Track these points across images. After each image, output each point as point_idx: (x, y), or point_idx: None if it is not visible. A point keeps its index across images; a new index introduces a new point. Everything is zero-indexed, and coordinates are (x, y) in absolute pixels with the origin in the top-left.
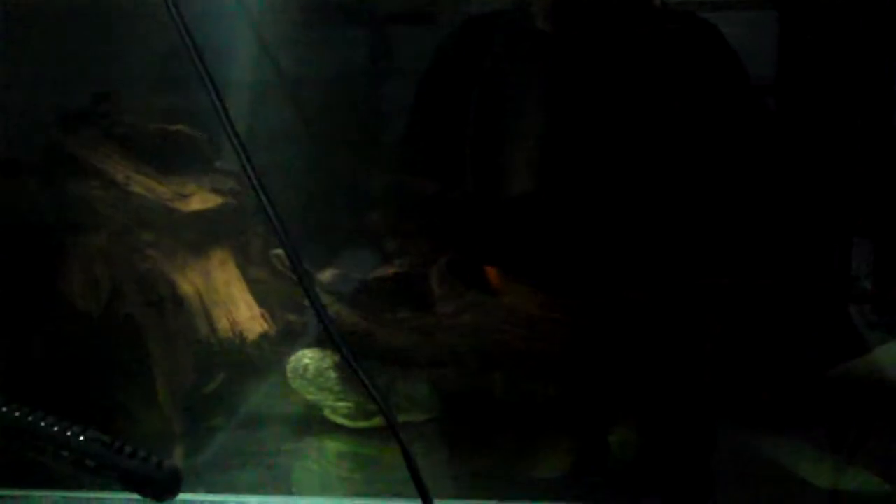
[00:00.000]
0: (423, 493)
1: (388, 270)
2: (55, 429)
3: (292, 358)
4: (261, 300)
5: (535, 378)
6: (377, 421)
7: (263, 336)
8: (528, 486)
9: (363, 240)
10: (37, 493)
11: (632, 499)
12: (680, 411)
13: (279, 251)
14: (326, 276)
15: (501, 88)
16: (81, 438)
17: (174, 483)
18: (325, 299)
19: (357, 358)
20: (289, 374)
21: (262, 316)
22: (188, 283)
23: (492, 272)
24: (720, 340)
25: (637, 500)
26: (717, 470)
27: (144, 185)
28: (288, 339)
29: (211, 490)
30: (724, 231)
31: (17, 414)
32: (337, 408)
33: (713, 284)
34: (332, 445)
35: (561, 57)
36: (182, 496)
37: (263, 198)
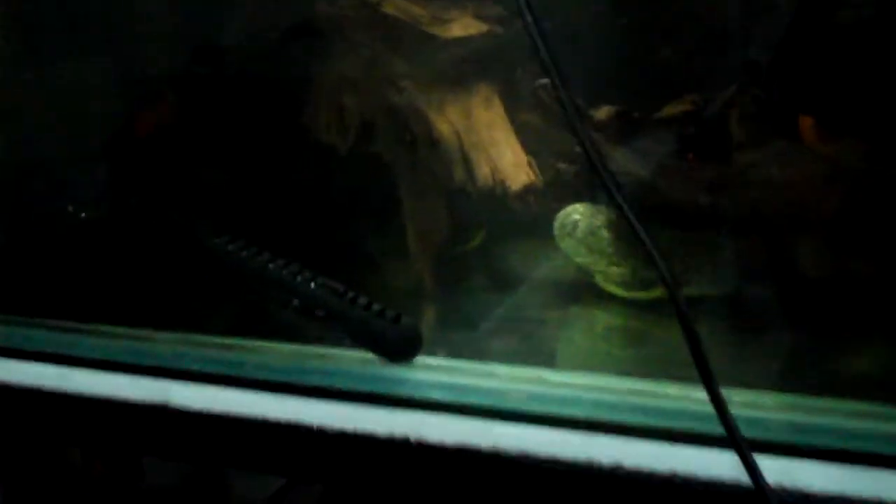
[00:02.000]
0: (707, 379)
1: (677, 108)
2: (283, 272)
3: (560, 213)
4: (528, 146)
5: (854, 250)
6: (657, 292)
7: (529, 187)
8: (835, 380)
9: (647, 73)
10: (265, 344)
11: None
12: None
13: (544, 80)
14: (601, 113)
15: None
16: (312, 285)
17: (412, 343)
18: (598, 140)
19: (637, 215)
20: (556, 233)
21: (529, 164)
22: (445, 121)
23: (806, 121)
24: None
25: None
26: None
27: (399, 6)
28: (557, 191)
29: (455, 355)
30: None
31: (243, 254)
32: (609, 273)
33: None
34: (602, 316)
35: None
36: (421, 359)
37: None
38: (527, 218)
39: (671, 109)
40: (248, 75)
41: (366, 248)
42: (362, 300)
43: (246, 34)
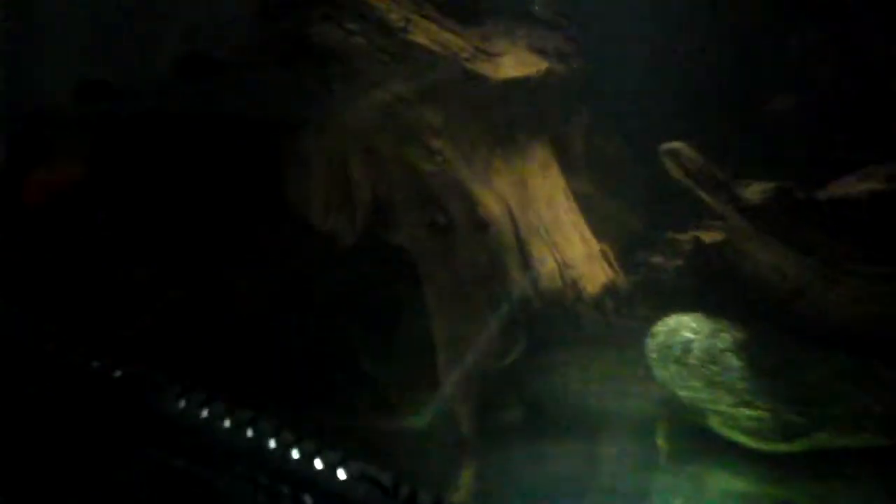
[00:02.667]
0: None
1: (862, 185)
2: (285, 452)
3: (660, 328)
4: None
5: None
6: (803, 444)
7: (609, 289)
8: None
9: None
10: None
11: None
12: None
13: (675, 144)
14: (752, 192)
15: None
16: (340, 475)
17: None
18: (743, 230)
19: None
20: (652, 354)
21: (605, 255)
22: (495, 198)
23: None
24: None
25: None
26: None
27: (432, 33)
28: (646, 296)
29: None
30: None
31: (249, 434)
32: (736, 417)
33: None
34: (719, 480)
35: None
36: None
37: None
38: (601, 332)
39: (852, 187)
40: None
41: (371, 377)
42: (404, 490)
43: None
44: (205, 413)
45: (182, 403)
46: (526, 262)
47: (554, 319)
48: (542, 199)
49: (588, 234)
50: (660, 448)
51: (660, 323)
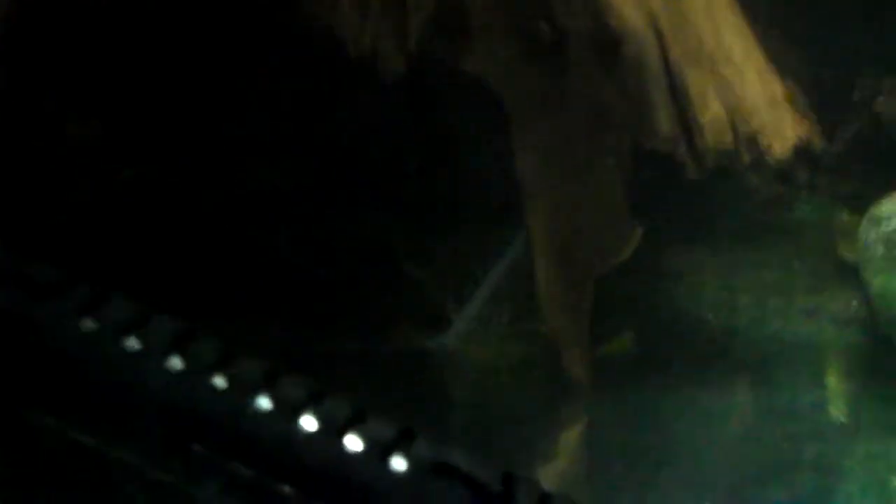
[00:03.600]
0: None
1: None
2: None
3: (885, 209)
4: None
5: None
6: None
7: (803, 151)
8: None
9: None
10: None
11: None
12: None
13: None
14: None
15: None
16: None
17: None
18: None
19: None
20: (872, 247)
21: (794, 101)
22: (633, 3)
23: None
24: None
25: None
26: None
27: None
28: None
29: None
30: None
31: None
32: None
33: None
34: None
35: None
36: None
37: None
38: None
39: None
40: None
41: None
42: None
43: None
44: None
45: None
46: (677, 102)
47: (707, 195)
48: (699, 9)
49: (766, 68)
50: (833, 394)
51: (885, 202)
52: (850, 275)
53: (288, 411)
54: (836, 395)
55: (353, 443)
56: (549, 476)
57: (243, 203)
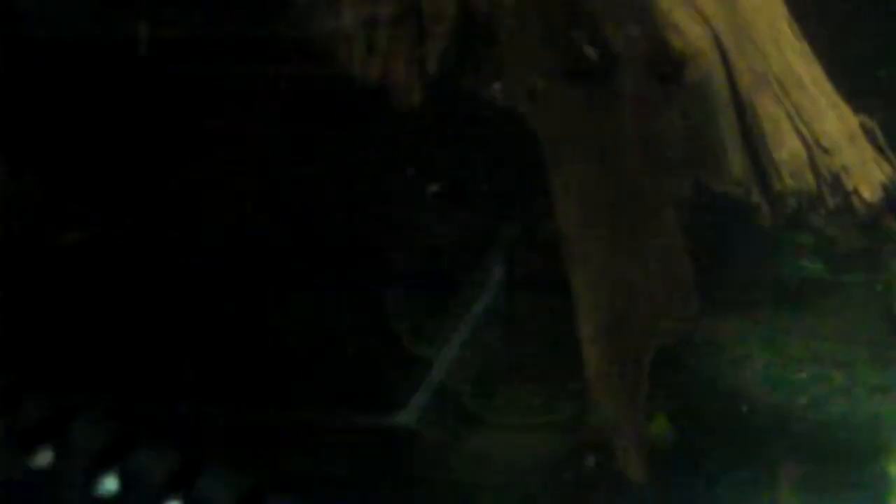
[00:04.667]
0: None
1: None
2: None
3: None
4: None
5: None
6: None
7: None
8: None
9: None
10: None
11: None
12: None
13: None
14: None
15: None
16: None
17: None
18: None
19: None
20: None
21: (872, 134)
22: (693, 18)
23: None
24: None
25: None
26: None
27: None
28: None
29: None
30: None
31: None
32: None
33: None
34: None
35: None
36: None
37: None
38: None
39: None
40: None
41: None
42: None
43: None
44: None
45: None
46: (749, 137)
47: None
48: (763, 28)
49: (833, 92)
50: None
51: None
52: None
53: None
54: None
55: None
56: None
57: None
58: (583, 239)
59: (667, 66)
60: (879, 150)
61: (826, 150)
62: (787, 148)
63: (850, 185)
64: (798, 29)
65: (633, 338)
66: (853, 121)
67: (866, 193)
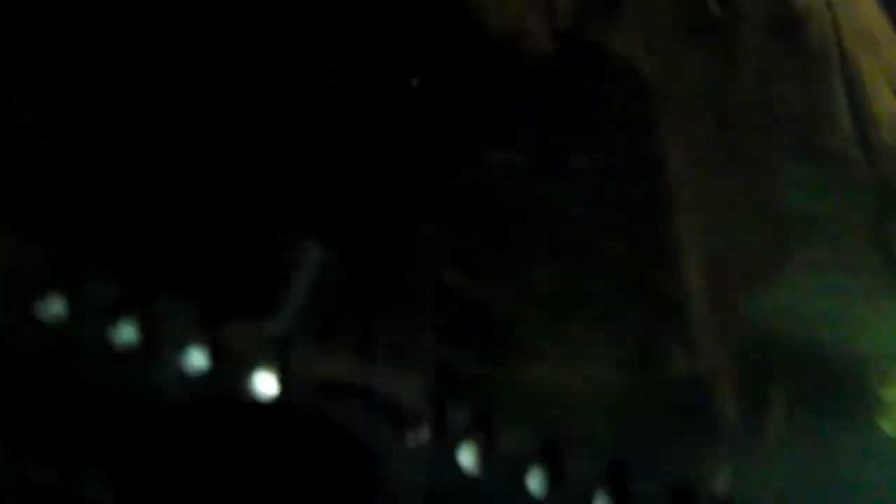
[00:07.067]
0: None
1: None
2: None
3: None
4: None
5: None
6: None
7: None
8: None
9: None
10: None
11: None
12: None
13: None
14: None
15: None
16: None
17: None
18: None
19: None
20: None
21: None
22: None
23: None
24: None
25: None
26: None
27: None
28: None
29: None
30: None
31: None
32: None
33: None
34: None
35: None
36: None
37: None
38: None
39: None
40: None
41: None
42: None
43: None
44: None
45: None
46: (852, 92)
47: None
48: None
49: None
50: None
51: None
52: None
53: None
54: None
55: None
56: None
57: None
58: (690, 187)
59: (787, 22)
60: None
61: None
62: (883, 103)
63: None
64: None
65: (733, 284)
66: None
67: None
